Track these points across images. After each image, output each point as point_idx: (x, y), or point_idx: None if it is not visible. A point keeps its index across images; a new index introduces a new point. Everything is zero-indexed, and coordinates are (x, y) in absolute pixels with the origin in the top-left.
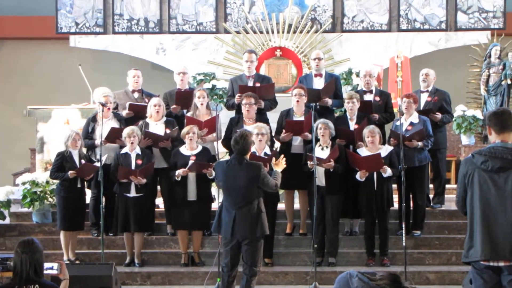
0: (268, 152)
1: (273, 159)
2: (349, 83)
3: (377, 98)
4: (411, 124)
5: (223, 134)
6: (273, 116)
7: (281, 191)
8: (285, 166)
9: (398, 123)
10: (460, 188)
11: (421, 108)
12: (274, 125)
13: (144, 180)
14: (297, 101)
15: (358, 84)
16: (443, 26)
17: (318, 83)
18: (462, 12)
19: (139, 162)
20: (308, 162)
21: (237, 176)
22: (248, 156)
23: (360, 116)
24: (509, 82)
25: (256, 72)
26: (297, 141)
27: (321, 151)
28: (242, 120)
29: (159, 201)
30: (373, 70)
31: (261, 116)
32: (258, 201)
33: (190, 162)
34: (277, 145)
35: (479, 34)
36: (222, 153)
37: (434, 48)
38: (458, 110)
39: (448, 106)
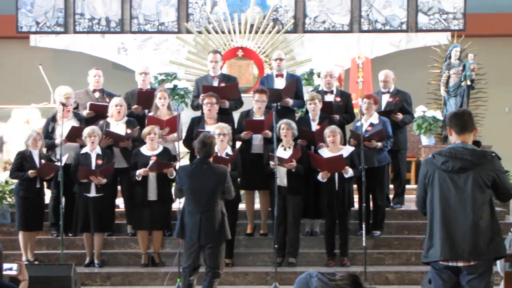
0: (230, 152)
1: None
2: (311, 84)
3: (338, 99)
4: (371, 125)
5: (184, 134)
6: (235, 116)
7: (241, 192)
8: None
9: (358, 123)
10: (420, 188)
11: (383, 108)
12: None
13: (104, 180)
14: (259, 107)
15: (319, 85)
16: (404, 27)
17: (279, 83)
18: (423, 13)
19: (99, 162)
20: (270, 162)
21: (204, 180)
22: (212, 159)
23: (322, 116)
24: (468, 83)
25: (222, 72)
26: (257, 140)
27: (284, 152)
28: (203, 120)
29: (119, 201)
30: (334, 71)
31: (226, 116)
32: (221, 204)
33: (151, 162)
34: (238, 144)
35: (440, 35)
36: (183, 153)
37: (395, 49)
38: (419, 110)
39: (409, 106)
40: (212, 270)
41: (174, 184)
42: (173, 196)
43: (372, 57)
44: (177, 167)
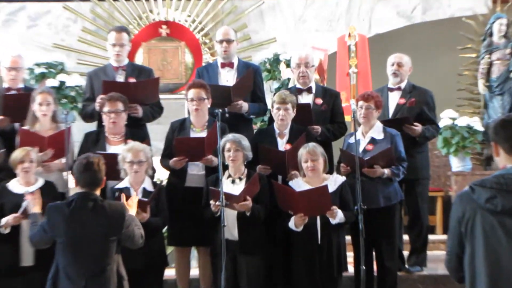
0: (150, 188)
1: (123, 197)
2: (275, 77)
3: (319, 101)
4: (373, 141)
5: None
6: (157, 129)
7: (169, 249)
8: (135, 209)
9: (351, 139)
10: (453, 240)
11: (390, 115)
12: (158, 144)
13: None
14: (196, 109)
15: (288, 79)
16: None
17: (227, 77)
18: None
19: None
20: (211, 202)
21: (88, 225)
22: (98, 192)
23: (295, 129)
24: None
25: (130, 62)
26: (194, 168)
27: (232, 185)
28: (104, 136)
29: None
30: (311, 57)
31: (137, 130)
32: (117, 263)
33: (24, 203)
34: (165, 174)
35: (475, 1)
36: (76, 190)
37: (406, 22)
38: (445, 117)
39: (431, 112)
40: None
41: None
42: (31, 244)
43: (370, 35)
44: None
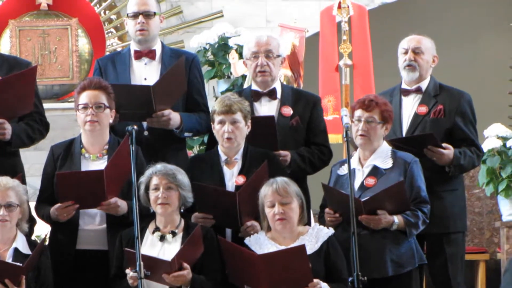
0: (24, 249)
1: None
2: (222, 74)
3: (288, 111)
4: (375, 172)
5: None
6: (34, 159)
7: None
8: None
9: (342, 170)
10: None
11: (404, 132)
12: (36, 182)
13: None
14: (91, 121)
15: (244, 76)
16: None
17: (146, 73)
18: None
19: None
20: (128, 271)
21: None
22: None
23: (253, 154)
24: None
25: None
26: (89, 221)
27: (161, 244)
28: None
29: None
30: (275, 42)
31: (7, 160)
32: None
33: None
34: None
35: None
36: None
37: None
38: (491, 136)
39: (468, 126)
40: None
41: None
42: None
43: (373, 7)
44: None
